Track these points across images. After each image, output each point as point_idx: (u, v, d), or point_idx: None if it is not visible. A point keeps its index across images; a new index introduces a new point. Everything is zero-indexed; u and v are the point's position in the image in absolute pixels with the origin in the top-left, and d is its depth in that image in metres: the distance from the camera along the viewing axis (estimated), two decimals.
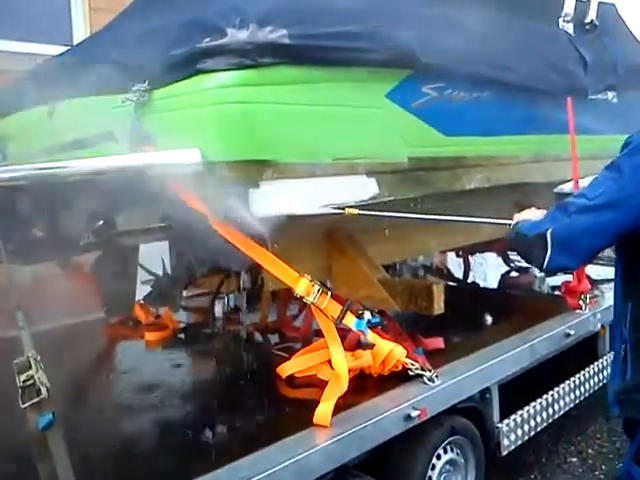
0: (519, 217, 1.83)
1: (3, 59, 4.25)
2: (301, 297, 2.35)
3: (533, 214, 1.77)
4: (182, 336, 3.54)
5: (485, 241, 4.30)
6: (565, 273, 1.74)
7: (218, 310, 3.67)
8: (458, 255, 5.02)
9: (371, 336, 2.55)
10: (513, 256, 4.99)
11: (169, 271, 3.36)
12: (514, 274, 4.86)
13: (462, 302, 4.19)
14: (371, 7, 2.51)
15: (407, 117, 2.70)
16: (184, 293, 3.81)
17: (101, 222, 2.21)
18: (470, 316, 3.69)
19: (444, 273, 5.08)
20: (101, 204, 2.27)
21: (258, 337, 3.41)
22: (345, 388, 2.37)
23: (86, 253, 3.06)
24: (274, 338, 3.41)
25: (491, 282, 4.78)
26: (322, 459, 2.07)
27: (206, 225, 2.21)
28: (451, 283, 4.82)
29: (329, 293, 2.39)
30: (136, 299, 3.52)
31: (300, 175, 2.35)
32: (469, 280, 4.98)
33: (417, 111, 2.73)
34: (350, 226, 2.91)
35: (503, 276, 4.77)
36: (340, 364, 2.43)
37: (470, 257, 4.98)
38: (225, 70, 2.10)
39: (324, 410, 2.22)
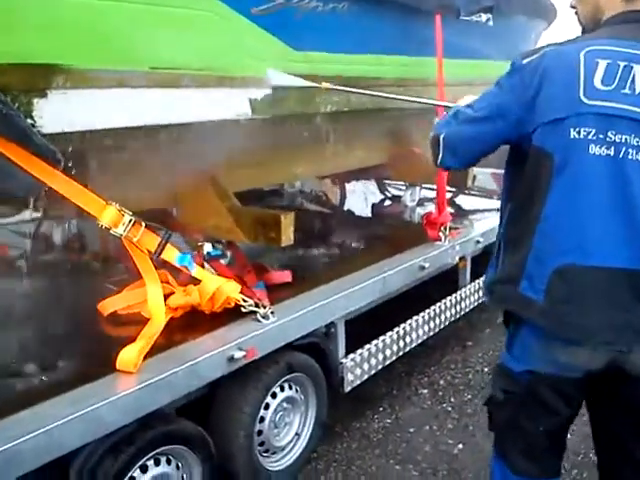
0: (461, 102, 1.98)
1: None
2: (107, 229, 2.05)
3: (472, 99, 1.87)
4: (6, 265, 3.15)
5: (362, 168, 4.16)
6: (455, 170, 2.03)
7: (57, 237, 3.33)
8: (334, 183, 4.83)
9: (197, 272, 2.31)
10: (388, 185, 4.89)
11: None
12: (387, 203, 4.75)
13: (329, 231, 4.05)
14: None
15: (246, 25, 2.39)
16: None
17: None
18: (332, 246, 3.53)
19: (321, 200, 4.89)
20: None
21: (94, 267, 3.09)
22: (160, 328, 2.14)
23: None
24: (113, 270, 3.10)
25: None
26: (119, 410, 1.84)
27: None
28: (325, 210, 4.65)
29: (143, 224, 2.10)
30: None
31: (106, 85, 2.02)
32: (345, 208, 4.83)
33: (259, 19, 2.42)
34: (200, 149, 2.60)
35: (375, 205, 4.64)
36: (156, 302, 2.17)
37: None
38: None
39: (130, 354, 1.97)
